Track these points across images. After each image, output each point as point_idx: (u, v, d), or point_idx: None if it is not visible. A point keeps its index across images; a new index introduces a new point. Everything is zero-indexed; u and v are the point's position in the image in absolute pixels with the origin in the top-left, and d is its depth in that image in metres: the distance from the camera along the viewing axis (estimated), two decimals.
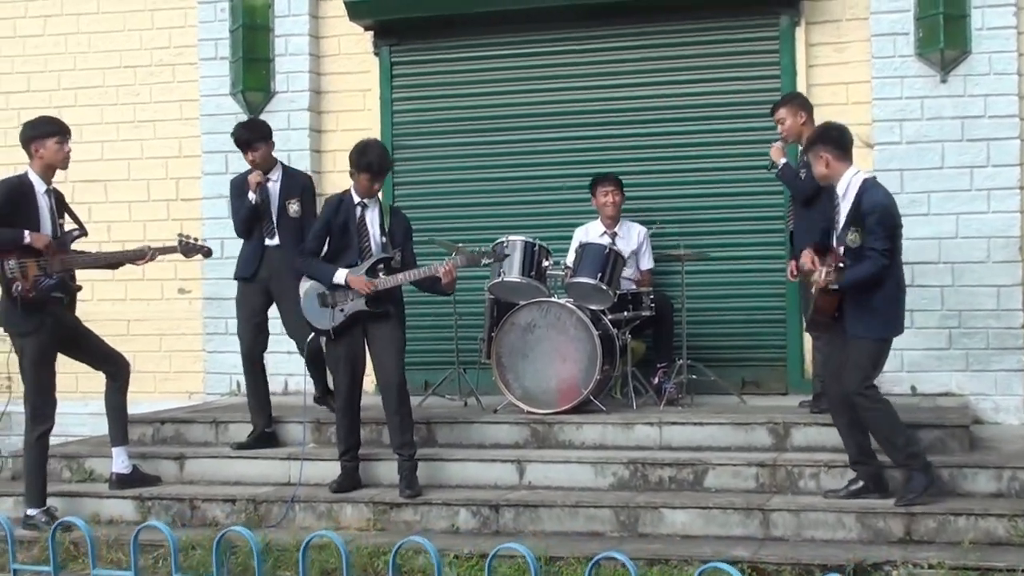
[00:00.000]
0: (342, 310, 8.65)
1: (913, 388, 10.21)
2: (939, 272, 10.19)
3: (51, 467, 9.54)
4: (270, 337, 9.70)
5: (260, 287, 9.45)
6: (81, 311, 11.66)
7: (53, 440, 10.68)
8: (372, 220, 8.77)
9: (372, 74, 11.58)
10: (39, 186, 8.70)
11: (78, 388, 11.21)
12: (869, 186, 7.95)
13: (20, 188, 8.66)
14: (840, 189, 7.98)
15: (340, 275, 8.62)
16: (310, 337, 8.96)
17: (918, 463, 7.86)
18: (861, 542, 7.74)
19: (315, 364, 9.45)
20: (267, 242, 9.50)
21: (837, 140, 8.08)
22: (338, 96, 11.68)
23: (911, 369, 10.24)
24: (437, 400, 10.40)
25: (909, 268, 9.96)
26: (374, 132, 11.40)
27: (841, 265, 7.86)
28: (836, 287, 7.79)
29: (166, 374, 11.92)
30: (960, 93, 10.21)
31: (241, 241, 9.67)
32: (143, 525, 4.71)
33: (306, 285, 8.80)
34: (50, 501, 8.95)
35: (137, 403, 11.28)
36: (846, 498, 7.95)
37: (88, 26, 12.19)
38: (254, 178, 9.41)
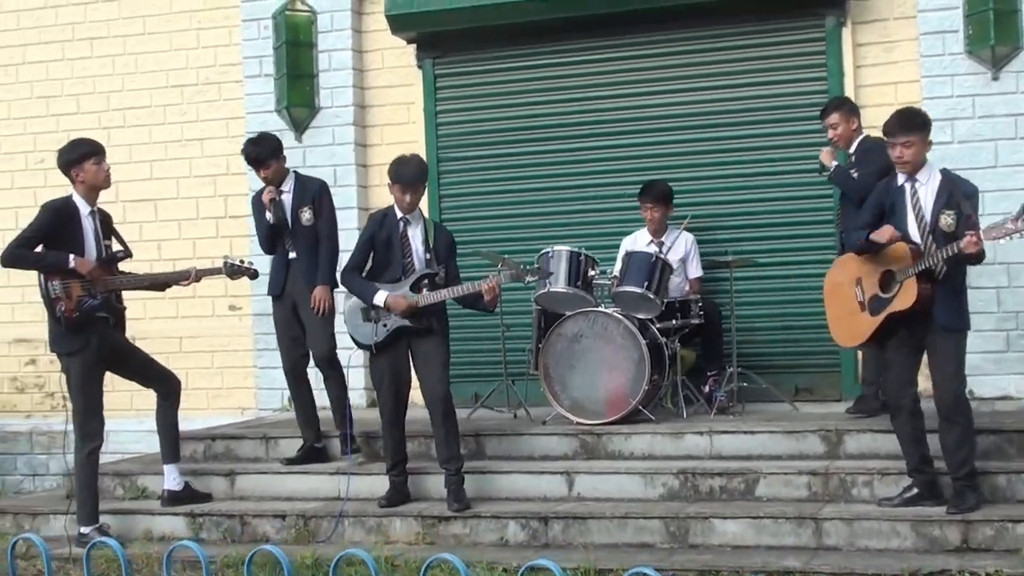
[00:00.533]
0: (385, 325, 8.61)
1: (971, 392, 9.98)
2: (995, 273, 10.03)
3: (104, 484, 9.59)
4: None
5: (289, 302, 9.42)
6: (134, 329, 11.73)
7: (108, 457, 10.81)
8: (415, 235, 8.73)
9: (416, 87, 11.58)
10: (83, 208, 8.74)
11: (132, 406, 11.36)
12: (955, 174, 7.82)
13: (65, 211, 8.71)
14: (923, 176, 7.78)
15: (380, 297, 8.56)
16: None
17: (973, 481, 7.71)
18: (916, 551, 7.58)
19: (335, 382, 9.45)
20: (290, 256, 9.45)
21: (930, 125, 7.91)
22: (382, 110, 11.69)
23: (969, 372, 9.97)
24: (486, 412, 10.33)
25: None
26: (419, 145, 11.41)
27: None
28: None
29: (218, 390, 11.95)
30: (1012, 90, 10.08)
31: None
32: (175, 545, 4.66)
33: (350, 300, 8.76)
34: (103, 518, 8.97)
35: (190, 420, 11.34)
36: (900, 506, 7.81)
37: (135, 47, 12.26)
38: (266, 196, 9.35)
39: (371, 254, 8.76)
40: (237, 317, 11.91)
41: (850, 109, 9.34)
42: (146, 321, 12.06)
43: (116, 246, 8.98)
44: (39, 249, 8.64)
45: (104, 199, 11.62)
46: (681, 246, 10.35)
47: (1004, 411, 9.47)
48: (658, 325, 9.68)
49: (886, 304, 7.75)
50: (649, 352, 9.25)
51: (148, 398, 9.44)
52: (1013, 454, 8.42)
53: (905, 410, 7.82)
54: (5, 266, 8.70)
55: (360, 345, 8.79)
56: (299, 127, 11.50)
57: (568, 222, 11.14)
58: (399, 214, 8.71)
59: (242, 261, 9.29)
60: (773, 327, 10.62)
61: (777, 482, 8.41)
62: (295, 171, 9.63)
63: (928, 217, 7.68)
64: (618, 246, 10.45)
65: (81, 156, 8.79)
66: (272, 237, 9.44)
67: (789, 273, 10.58)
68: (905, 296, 7.65)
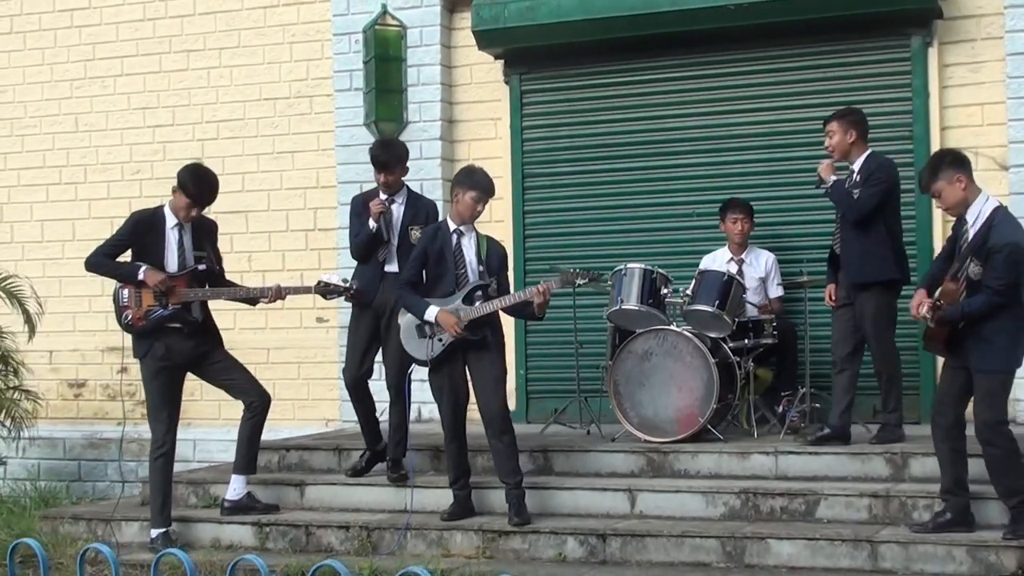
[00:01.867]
0: (440, 340, 8.66)
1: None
2: None
3: (178, 492, 9.77)
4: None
5: (375, 313, 9.39)
6: (225, 339, 12.00)
7: (195, 466, 11.00)
8: (468, 247, 8.78)
9: (503, 103, 11.64)
10: (170, 220, 8.95)
11: (220, 415, 11.53)
12: (1001, 219, 7.65)
13: (150, 221, 8.96)
14: (971, 216, 7.69)
15: (431, 313, 8.60)
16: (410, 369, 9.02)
17: None
18: None
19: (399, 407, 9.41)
20: (386, 268, 9.39)
21: (968, 164, 7.82)
22: (469, 125, 11.77)
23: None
24: (560, 428, 10.37)
25: None
26: (505, 160, 11.51)
27: (939, 303, 7.62)
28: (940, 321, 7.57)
29: (304, 401, 12.09)
30: None
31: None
32: (162, 552, 4.68)
33: (406, 316, 8.81)
34: (174, 526, 9.13)
35: (275, 430, 11.53)
36: (933, 531, 7.72)
37: (230, 60, 12.47)
38: (376, 206, 9.27)
39: (424, 268, 8.82)
40: (324, 329, 12.05)
41: (853, 122, 9.15)
42: (235, 331, 12.18)
43: (204, 260, 9.10)
44: (123, 258, 8.87)
45: (212, 209, 11.98)
46: (761, 265, 10.32)
47: None
48: (731, 344, 9.64)
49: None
50: (719, 371, 9.22)
51: (236, 408, 9.54)
52: None
53: (941, 428, 7.76)
54: (87, 271, 8.99)
55: (417, 361, 8.85)
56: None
57: (650, 239, 11.13)
58: (452, 227, 8.77)
59: (344, 280, 9.23)
60: None
61: (838, 504, 8.34)
62: (408, 185, 9.62)
63: (961, 261, 7.65)
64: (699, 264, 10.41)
65: (185, 190, 8.96)
66: (368, 247, 9.36)
67: None
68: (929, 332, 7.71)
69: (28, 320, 11.93)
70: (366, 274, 9.45)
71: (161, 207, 9.02)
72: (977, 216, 7.66)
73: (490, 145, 11.66)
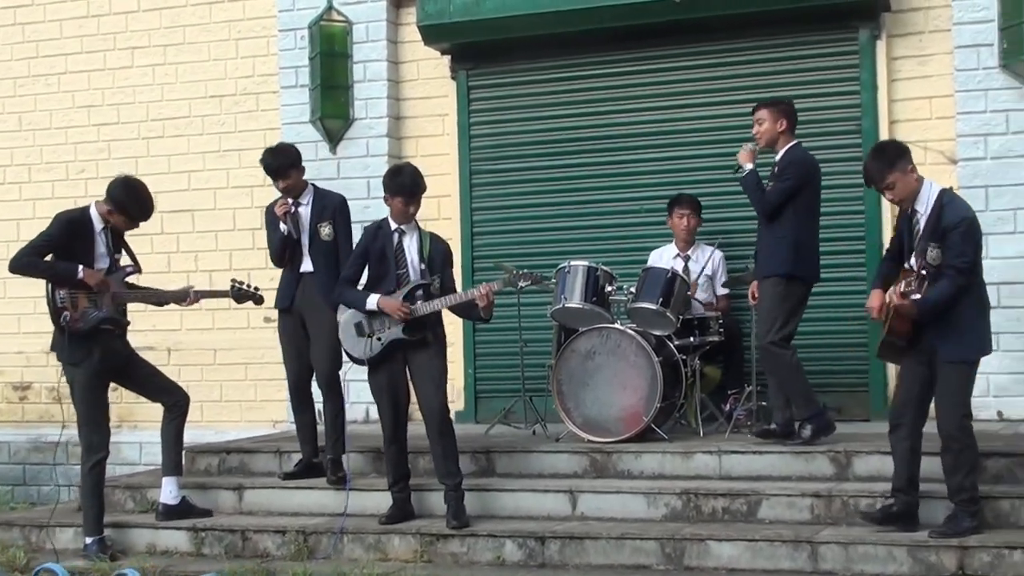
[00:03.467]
0: (379, 339, 8.53)
1: (1000, 413, 9.84)
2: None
3: (116, 497, 9.69)
4: (353, 366, 9.56)
5: (298, 316, 9.33)
6: (171, 340, 11.90)
7: (140, 469, 10.83)
8: (410, 246, 8.66)
9: (450, 98, 11.51)
10: (98, 224, 8.80)
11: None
12: (949, 199, 7.55)
13: (79, 222, 8.79)
14: (920, 205, 7.57)
15: (372, 300, 8.51)
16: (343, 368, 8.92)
17: (972, 508, 7.50)
18: None
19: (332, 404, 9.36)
20: (301, 269, 9.35)
21: (907, 149, 7.72)
22: (417, 121, 11.64)
23: (998, 394, 9.86)
24: (505, 429, 10.22)
25: (995, 288, 9.60)
26: (452, 157, 11.40)
27: (909, 288, 7.48)
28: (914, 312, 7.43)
29: (251, 402, 11.95)
30: None
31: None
32: (119, 573, 4.53)
33: (345, 314, 8.69)
34: (109, 531, 8.99)
35: (224, 432, 11.47)
36: (881, 522, 7.65)
37: (175, 57, 12.30)
38: (280, 208, 9.26)
39: (365, 267, 8.70)
40: (272, 330, 11.78)
41: (784, 111, 8.99)
42: (182, 332, 12.15)
43: (126, 260, 9.00)
44: (49, 258, 8.70)
45: None
46: (708, 261, 10.19)
47: None
48: (676, 342, 9.52)
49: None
50: (663, 369, 9.09)
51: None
52: (1023, 478, 8.14)
53: (902, 429, 7.63)
54: (12, 272, 8.76)
55: (355, 360, 8.74)
56: (333, 138, 11.49)
57: (599, 236, 11.03)
58: (394, 225, 8.65)
59: (249, 285, 9.30)
60: (799, 344, 10.34)
61: (780, 504, 8.24)
62: (313, 184, 9.54)
63: (920, 248, 7.51)
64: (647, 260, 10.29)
65: (124, 208, 8.82)
66: (284, 250, 9.35)
67: (817, 290, 10.29)
68: (892, 323, 7.55)
69: None
70: (282, 278, 9.46)
71: (87, 209, 8.84)
72: (927, 203, 7.54)
73: (437, 142, 11.53)
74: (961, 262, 7.35)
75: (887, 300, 7.51)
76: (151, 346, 11.87)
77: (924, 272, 7.38)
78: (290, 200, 9.33)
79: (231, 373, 11.98)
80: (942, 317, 7.38)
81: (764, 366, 9.04)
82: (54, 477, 11.58)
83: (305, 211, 9.37)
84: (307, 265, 9.33)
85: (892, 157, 7.64)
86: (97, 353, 8.69)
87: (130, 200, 8.81)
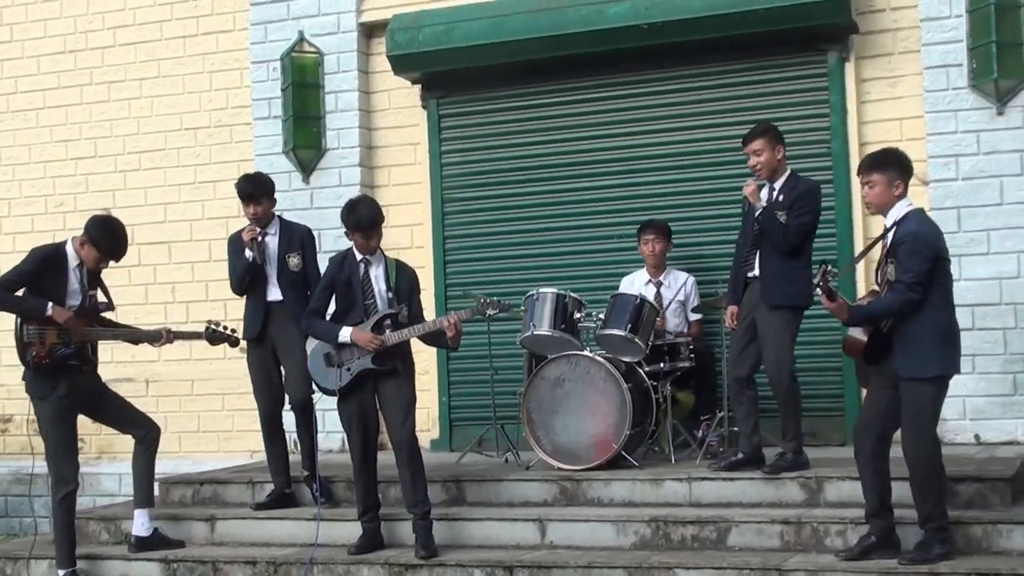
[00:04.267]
0: (348, 369, 8.54)
1: (977, 436, 9.80)
2: (1001, 314, 9.78)
3: (90, 528, 9.75)
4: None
5: (269, 345, 9.37)
6: (148, 371, 11.90)
7: (115, 500, 10.81)
8: (377, 276, 8.66)
9: (421, 127, 11.52)
10: (72, 260, 8.82)
11: None
12: (910, 216, 7.50)
13: (54, 258, 8.82)
14: (889, 220, 7.56)
15: (344, 334, 8.51)
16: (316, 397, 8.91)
17: (942, 535, 7.45)
18: None
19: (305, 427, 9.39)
20: (269, 298, 9.37)
21: (910, 169, 7.69)
22: (389, 151, 11.66)
23: (974, 417, 9.82)
24: (478, 457, 10.19)
25: (969, 310, 9.67)
26: (424, 186, 11.43)
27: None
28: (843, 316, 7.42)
29: (229, 433, 11.95)
30: (1018, 125, 9.83)
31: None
32: None
33: (312, 344, 8.70)
34: (82, 563, 9.05)
35: (201, 462, 11.48)
36: (859, 556, 7.56)
37: (151, 90, 12.34)
38: (248, 234, 9.28)
39: (332, 297, 8.69)
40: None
41: (776, 136, 8.86)
42: (160, 363, 12.14)
43: (101, 297, 9.02)
44: (20, 293, 8.72)
45: None
46: (680, 287, 10.18)
47: (1003, 457, 9.07)
48: (647, 368, 9.50)
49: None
50: (632, 396, 9.07)
51: (166, 440, 9.58)
52: (996, 503, 8.10)
53: (865, 451, 7.57)
54: None
55: (324, 391, 8.74)
56: (306, 169, 11.51)
57: (571, 263, 11.02)
58: (359, 256, 8.64)
59: (225, 328, 9.33)
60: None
61: (749, 531, 8.20)
62: (279, 216, 9.58)
63: (882, 264, 7.51)
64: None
65: (96, 243, 8.81)
66: (245, 278, 9.36)
67: None
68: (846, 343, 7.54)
69: None
70: (249, 307, 9.48)
71: (63, 244, 8.86)
72: (893, 219, 7.52)
73: (410, 170, 11.55)
74: (907, 277, 7.28)
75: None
76: (130, 377, 11.96)
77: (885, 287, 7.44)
78: (257, 228, 9.31)
79: (208, 404, 12.00)
80: (901, 334, 7.35)
81: (778, 394, 8.78)
82: (33, 509, 11.54)
83: (272, 241, 9.42)
84: (275, 294, 9.35)
85: (883, 162, 7.60)
86: (63, 388, 8.71)
87: (104, 236, 8.81)
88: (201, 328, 9.38)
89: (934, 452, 7.46)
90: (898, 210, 7.54)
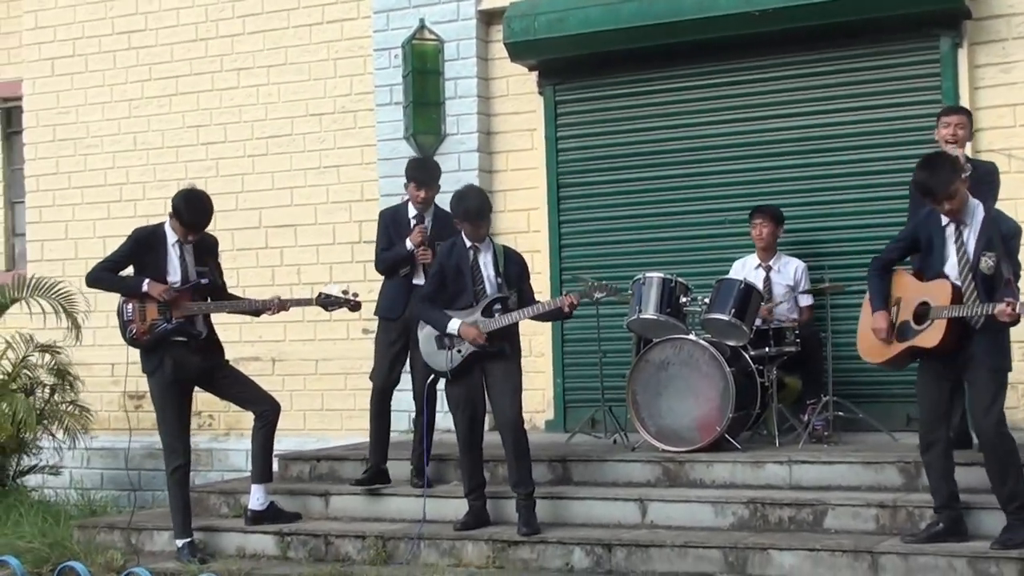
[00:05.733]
0: (459, 351, 8.76)
1: None
2: None
3: (210, 502, 10.10)
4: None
5: (403, 326, 9.53)
6: (274, 351, 12.27)
7: (242, 475, 11.16)
8: (485, 262, 8.86)
9: (538, 113, 11.71)
10: (171, 237, 9.12)
11: None
12: (997, 212, 7.68)
13: (152, 237, 9.16)
14: (968, 217, 7.63)
15: (453, 325, 8.72)
16: (429, 379, 9.12)
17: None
18: None
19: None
20: (414, 280, 9.53)
21: (960, 167, 7.81)
22: (506, 136, 11.86)
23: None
24: (587, 438, 10.40)
25: None
26: (540, 171, 11.59)
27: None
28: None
29: (351, 411, 12.22)
30: None
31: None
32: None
33: (425, 329, 8.93)
34: (201, 534, 9.39)
35: (325, 439, 11.80)
36: (925, 541, 7.64)
37: (278, 77, 12.67)
38: (419, 234, 9.41)
39: (443, 284, 8.91)
40: (370, 340, 12.13)
41: (970, 116, 9.09)
42: (285, 343, 12.51)
43: (206, 274, 9.28)
44: (127, 272, 9.07)
45: (248, 224, 12.22)
46: (790, 273, 10.26)
47: None
48: (752, 353, 9.60)
49: (911, 335, 7.64)
50: (736, 380, 9.19)
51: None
52: None
53: (939, 445, 7.66)
54: (88, 286, 9.29)
55: (436, 372, 8.96)
56: (426, 154, 11.72)
57: (684, 247, 11.14)
58: (468, 243, 8.85)
59: (344, 291, 9.41)
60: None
61: (846, 514, 8.29)
62: (435, 203, 9.76)
63: (971, 259, 7.52)
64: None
65: (177, 213, 9.07)
66: (400, 265, 9.54)
67: None
68: (931, 335, 7.59)
69: (75, 327, 12.25)
70: (393, 288, 9.62)
71: (162, 224, 9.19)
72: (974, 214, 7.59)
73: (526, 156, 11.74)
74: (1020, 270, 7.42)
75: (1000, 312, 7.33)
76: (256, 356, 12.33)
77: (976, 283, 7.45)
78: (427, 228, 9.51)
79: (332, 383, 12.30)
80: (987, 330, 7.40)
81: None
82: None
83: (427, 227, 9.57)
84: (420, 279, 9.46)
85: (955, 166, 7.68)
86: (169, 364, 9.03)
87: (183, 206, 9.06)
88: (313, 295, 9.49)
89: (1006, 431, 7.56)
90: (973, 204, 7.65)
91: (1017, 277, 7.49)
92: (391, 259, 9.61)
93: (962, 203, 7.59)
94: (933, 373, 7.71)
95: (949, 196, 7.56)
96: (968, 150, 9.02)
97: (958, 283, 7.52)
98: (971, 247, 7.55)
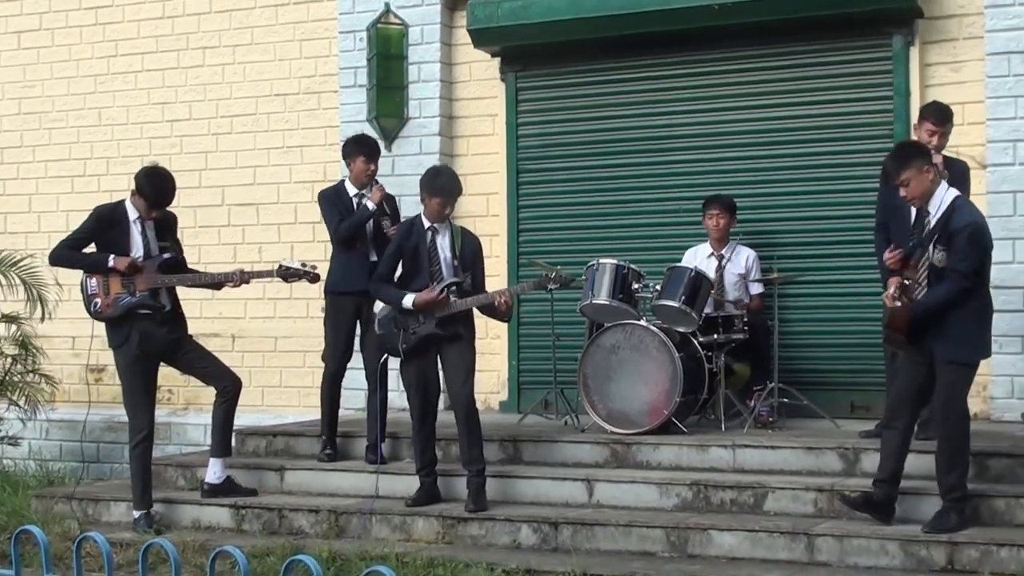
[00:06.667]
0: (414, 332, 8.95)
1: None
2: None
3: (168, 474, 10.24)
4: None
5: (355, 303, 9.76)
6: (234, 327, 12.41)
7: (200, 450, 11.32)
8: (443, 244, 9.05)
9: (499, 99, 11.89)
10: (132, 214, 9.28)
11: None
12: (962, 203, 7.86)
13: (114, 214, 9.31)
14: (933, 206, 7.86)
15: (408, 300, 8.91)
16: (383, 358, 9.31)
17: (960, 506, 7.78)
18: (904, 570, 7.68)
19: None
20: (371, 259, 9.77)
21: (931, 155, 8.10)
22: (468, 121, 12.04)
23: (1022, 396, 10.02)
24: (539, 419, 10.61)
25: (1021, 292, 9.94)
26: (501, 156, 11.77)
27: (906, 283, 7.81)
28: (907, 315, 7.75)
29: (309, 389, 12.30)
30: None
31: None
32: (149, 542, 4.95)
33: (381, 308, 9.12)
34: (159, 506, 9.56)
35: (283, 416, 11.94)
36: (856, 507, 7.98)
37: (243, 56, 12.79)
38: (378, 192, 9.74)
39: (399, 264, 9.10)
40: None
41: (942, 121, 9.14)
42: (245, 320, 12.66)
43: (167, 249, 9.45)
44: (89, 249, 9.23)
45: (211, 202, 12.35)
46: (742, 262, 10.49)
47: None
48: (701, 339, 9.83)
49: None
50: (684, 365, 9.41)
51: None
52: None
53: (898, 423, 7.94)
54: (51, 264, 9.49)
55: (391, 352, 9.16)
56: (388, 137, 11.90)
57: (640, 234, 11.35)
58: (427, 223, 9.04)
59: (302, 264, 9.59)
60: (826, 343, 10.66)
61: (786, 497, 8.54)
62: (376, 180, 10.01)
63: (927, 248, 7.79)
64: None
65: (141, 190, 9.27)
66: (361, 229, 9.77)
67: (844, 291, 10.60)
68: (890, 316, 7.88)
69: (39, 301, 12.38)
70: (345, 262, 9.87)
71: (123, 202, 9.34)
72: (939, 205, 7.82)
73: (487, 141, 11.93)
74: (964, 266, 7.62)
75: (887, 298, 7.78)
76: (217, 332, 12.46)
77: (927, 273, 7.72)
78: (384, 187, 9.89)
79: (290, 360, 12.45)
80: (942, 319, 7.65)
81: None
82: (125, 455, 12.14)
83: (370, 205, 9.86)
84: (373, 256, 9.76)
85: (909, 155, 7.94)
86: (135, 337, 9.18)
87: (146, 184, 9.25)
88: (274, 267, 9.64)
89: (966, 426, 7.81)
90: (942, 195, 7.84)
91: (959, 272, 7.67)
92: (357, 220, 9.83)
93: (921, 192, 7.83)
94: (910, 356, 7.97)
95: (901, 183, 7.84)
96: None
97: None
98: (927, 237, 7.81)
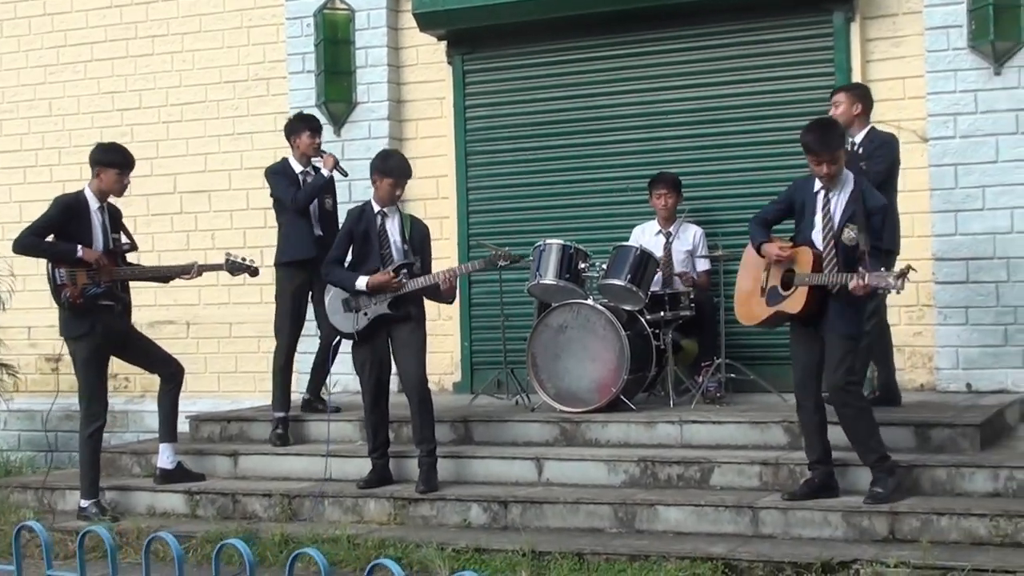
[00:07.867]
0: (365, 314, 9.05)
1: (968, 385, 10.14)
2: (994, 268, 10.10)
3: (122, 462, 10.34)
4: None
5: (305, 270, 9.96)
6: (189, 314, 12.46)
7: (151, 437, 11.39)
8: (392, 228, 9.15)
9: (447, 82, 11.96)
10: (93, 203, 9.33)
11: (187, 388, 11.87)
12: (867, 185, 8.02)
13: (75, 206, 9.33)
14: (838, 185, 7.99)
15: (361, 282, 9.00)
16: (335, 340, 9.41)
17: (887, 466, 7.91)
18: (846, 540, 7.78)
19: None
20: (316, 233, 10.03)
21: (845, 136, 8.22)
22: (416, 105, 12.10)
23: (967, 367, 10.17)
24: (490, 399, 10.69)
25: (963, 264, 10.11)
26: (449, 139, 11.84)
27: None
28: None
29: (264, 374, 12.28)
30: (1015, 85, 10.13)
31: None
32: (86, 529, 5.01)
33: (332, 291, 9.22)
34: (111, 494, 9.68)
35: (239, 401, 12.01)
36: (801, 497, 8.03)
37: (192, 44, 12.83)
38: (331, 159, 10.08)
39: (350, 248, 9.19)
40: None
41: (859, 94, 9.32)
42: (200, 307, 12.72)
43: (123, 239, 9.55)
44: (50, 239, 9.28)
45: (163, 190, 12.38)
46: (689, 238, 10.59)
47: (985, 405, 9.44)
48: (648, 317, 9.93)
49: (778, 301, 8.04)
50: (631, 343, 9.51)
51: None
52: (965, 448, 8.51)
53: (809, 404, 8.07)
54: (16, 252, 9.43)
55: (342, 334, 9.25)
56: (337, 122, 11.97)
57: (588, 214, 11.44)
58: (376, 208, 9.13)
59: (244, 259, 9.79)
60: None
61: (731, 471, 8.65)
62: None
63: (835, 228, 7.88)
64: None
65: (110, 162, 9.38)
66: (316, 195, 10.04)
67: None
68: (795, 301, 7.99)
69: None
70: (297, 230, 10.07)
71: (82, 191, 9.40)
72: (846, 187, 7.96)
73: (435, 124, 12.00)
74: (883, 244, 7.87)
75: (855, 285, 7.68)
76: (171, 320, 12.57)
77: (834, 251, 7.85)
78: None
79: (245, 346, 12.50)
80: (840, 299, 7.81)
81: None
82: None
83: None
84: (318, 230, 10.01)
85: (840, 132, 8.09)
86: (99, 328, 9.25)
87: (113, 154, 9.41)
88: (222, 260, 9.83)
89: (857, 389, 8.10)
90: (847, 177, 8.02)
91: (883, 253, 7.85)
92: (313, 187, 10.07)
93: (840, 171, 7.94)
94: (803, 336, 8.09)
95: (833, 160, 7.92)
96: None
97: (820, 250, 7.91)
98: (836, 217, 7.92)
